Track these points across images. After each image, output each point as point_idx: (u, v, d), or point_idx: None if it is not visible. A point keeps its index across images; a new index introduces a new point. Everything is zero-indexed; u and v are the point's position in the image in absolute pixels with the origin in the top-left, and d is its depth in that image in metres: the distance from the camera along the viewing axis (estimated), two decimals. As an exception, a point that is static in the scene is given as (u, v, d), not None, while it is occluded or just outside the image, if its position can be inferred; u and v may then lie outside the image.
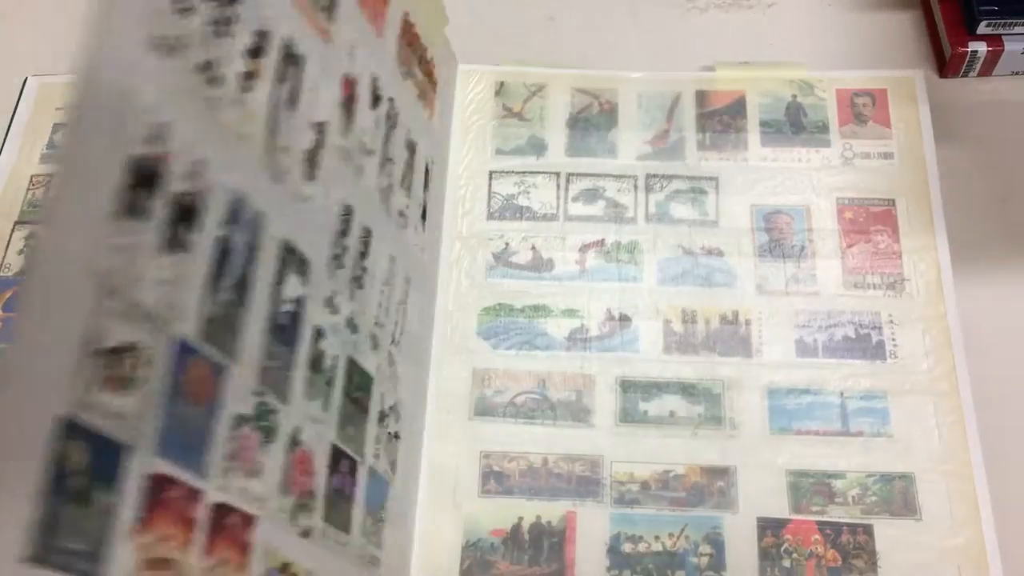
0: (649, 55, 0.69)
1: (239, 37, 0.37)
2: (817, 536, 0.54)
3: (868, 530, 0.54)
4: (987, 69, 0.66)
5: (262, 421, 0.39)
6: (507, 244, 0.63)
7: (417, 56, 0.58)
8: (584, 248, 0.62)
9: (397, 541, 0.52)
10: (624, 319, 0.60)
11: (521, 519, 0.55)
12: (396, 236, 0.54)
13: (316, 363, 0.44)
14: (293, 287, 0.42)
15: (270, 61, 0.40)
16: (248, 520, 0.38)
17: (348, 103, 0.48)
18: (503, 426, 0.58)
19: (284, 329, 0.41)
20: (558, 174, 0.65)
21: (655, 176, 0.64)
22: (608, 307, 0.61)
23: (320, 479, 0.44)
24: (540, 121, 0.66)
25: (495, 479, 0.56)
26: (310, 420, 0.43)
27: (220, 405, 0.36)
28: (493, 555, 0.54)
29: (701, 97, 0.67)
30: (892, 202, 0.62)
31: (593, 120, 0.66)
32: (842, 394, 0.57)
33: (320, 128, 0.45)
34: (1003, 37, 0.64)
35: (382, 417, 0.51)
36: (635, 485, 0.56)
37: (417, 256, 0.58)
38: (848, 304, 0.60)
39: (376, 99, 0.51)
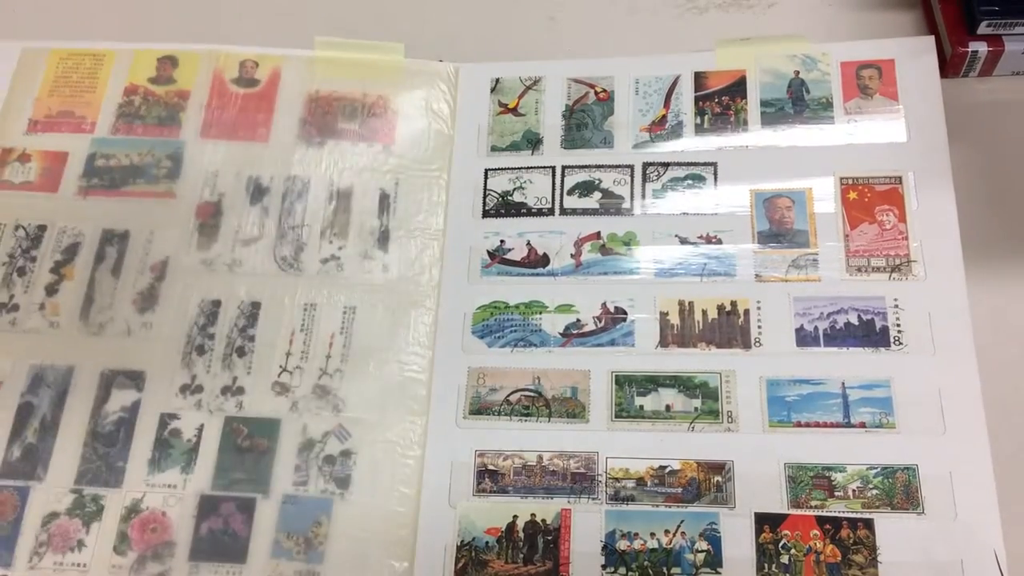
0: (648, 55, 0.67)
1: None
2: (816, 531, 0.53)
3: (869, 524, 0.52)
4: (987, 69, 0.64)
5: (80, 509, 0.56)
6: (502, 241, 0.62)
7: (346, 111, 0.66)
8: (579, 242, 0.62)
9: (358, 546, 0.55)
10: (620, 312, 0.60)
11: (516, 517, 0.56)
12: (316, 283, 0.62)
13: (165, 442, 0.58)
14: (122, 398, 0.59)
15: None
16: None
17: (204, 229, 0.63)
18: (498, 424, 0.58)
19: (111, 434, 0.58)
20: (553, 168, 0.64)
21: (652, 164, 0.63)
22: (604, 301, 0.60)
23: (182, 529, 0.56)
24: (535, 115, 0.66)
25: (490, 478, 0.57)
26: (158, 487, 0.57)
27: (24, 516, 0.56)
28: (488, 554, 0.55)
29: (700, 79, 0.65)
30: (899, 179, 0.60)
31: (589, 110, 0.65)
32: (843, 384, 0.56)
33: (162, 265, 0.62)
34: (1003, 37, 0.62)
35: (309, 446, 0.58)
36: (630, 482, 0.56)
37: (373, 279, 0.62)
38: (851, 289, 0.58)
39: (259, 193, 0.64)
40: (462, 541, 0.55)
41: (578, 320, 0.60)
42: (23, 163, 0.66)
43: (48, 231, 0.64)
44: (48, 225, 0.64)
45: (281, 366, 0.59)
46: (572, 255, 0.62)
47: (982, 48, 0.62)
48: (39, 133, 0.67)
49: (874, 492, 0.53)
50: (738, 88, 0.64)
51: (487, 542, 0.55)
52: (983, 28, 0.62)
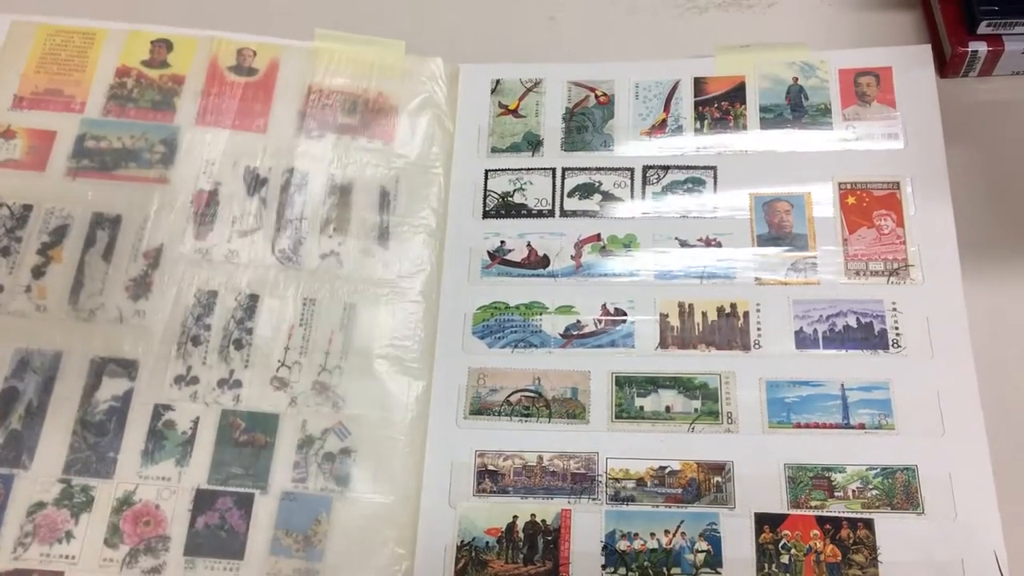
0: (648, 55, 0.68)
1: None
2: (816, 531, 0.53)
3: (869, 524, 0.53)
4: (987, 69, 0.64)
5: (68, 500, 0.55)
6: (502, 242, 0.62)
7: (345, 105, 0.66)
8: (580, 243, 0.62)
9: (358, 545, 0.55)
10: (620, 314, 0.60)
11: (516, 518, 0.55)
12: (315, 278, 0.61)
13: (159, 433, 0.57)
14: (114, 387, 0.57)
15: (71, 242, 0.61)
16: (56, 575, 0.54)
17: (200, 218, 0.62)
18: (498, 425, 0.58)
19: (102, 423, 0.57)
20: (553, 170, 0.64)
21: (652, 168, 0.63)
22: (604, 302, 0.60)
23: (177, 524, 0.55)
24: (536, 117, 0.66)
25: (490, 478, 0.56)
26: (151, 479, 0.56)
27: (7, 505, 0.55)
28: (488, 554, 0.55)
29: (700, 84, 0.65)
30: (896, 184, 0.60)
31: (589, 113, 0.65)
32: (843, 386, 0.56)
33: (156, 252, 0.61)
34: (1003, 37, 0.63)
35: (308, 443, 0.57)
36: (630, 482, 0.56)
37: (373, 276, 0.61)
38: (850, 293, 0.58)
39: (257, 184, 0.63)
40: (462, 541, 0.55)
41: (578, 321, 0.60)
42: (8, 139, 0.64)
43: (34, 211, 0.62)
44: (34, 205, 0.62)
45: (280, 361, 0.59)
46: (572, 256, 0.62)
47: (982, 48, 0.63)
48: (25, 110, 0.65)
49: (874, 492, 0.53)
50: (737, 94, 0.65)
51: (487, 542, 0.55)
52: (983, 28, 0.62)
